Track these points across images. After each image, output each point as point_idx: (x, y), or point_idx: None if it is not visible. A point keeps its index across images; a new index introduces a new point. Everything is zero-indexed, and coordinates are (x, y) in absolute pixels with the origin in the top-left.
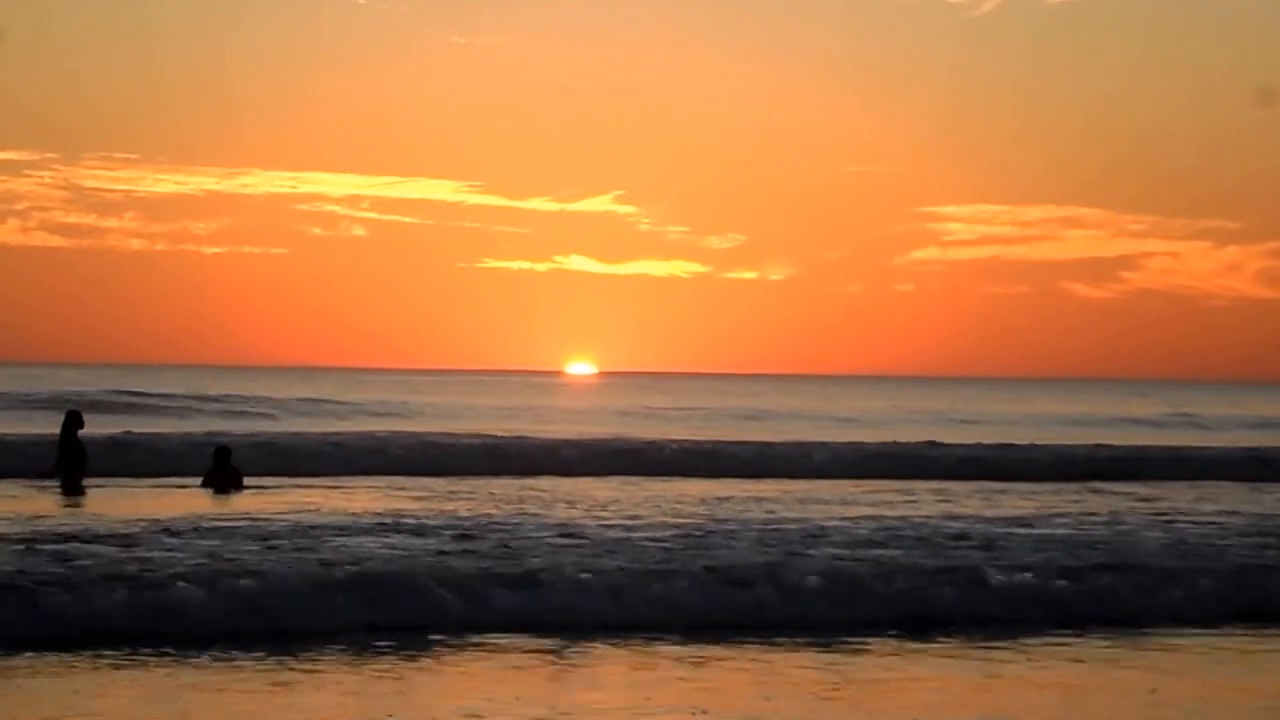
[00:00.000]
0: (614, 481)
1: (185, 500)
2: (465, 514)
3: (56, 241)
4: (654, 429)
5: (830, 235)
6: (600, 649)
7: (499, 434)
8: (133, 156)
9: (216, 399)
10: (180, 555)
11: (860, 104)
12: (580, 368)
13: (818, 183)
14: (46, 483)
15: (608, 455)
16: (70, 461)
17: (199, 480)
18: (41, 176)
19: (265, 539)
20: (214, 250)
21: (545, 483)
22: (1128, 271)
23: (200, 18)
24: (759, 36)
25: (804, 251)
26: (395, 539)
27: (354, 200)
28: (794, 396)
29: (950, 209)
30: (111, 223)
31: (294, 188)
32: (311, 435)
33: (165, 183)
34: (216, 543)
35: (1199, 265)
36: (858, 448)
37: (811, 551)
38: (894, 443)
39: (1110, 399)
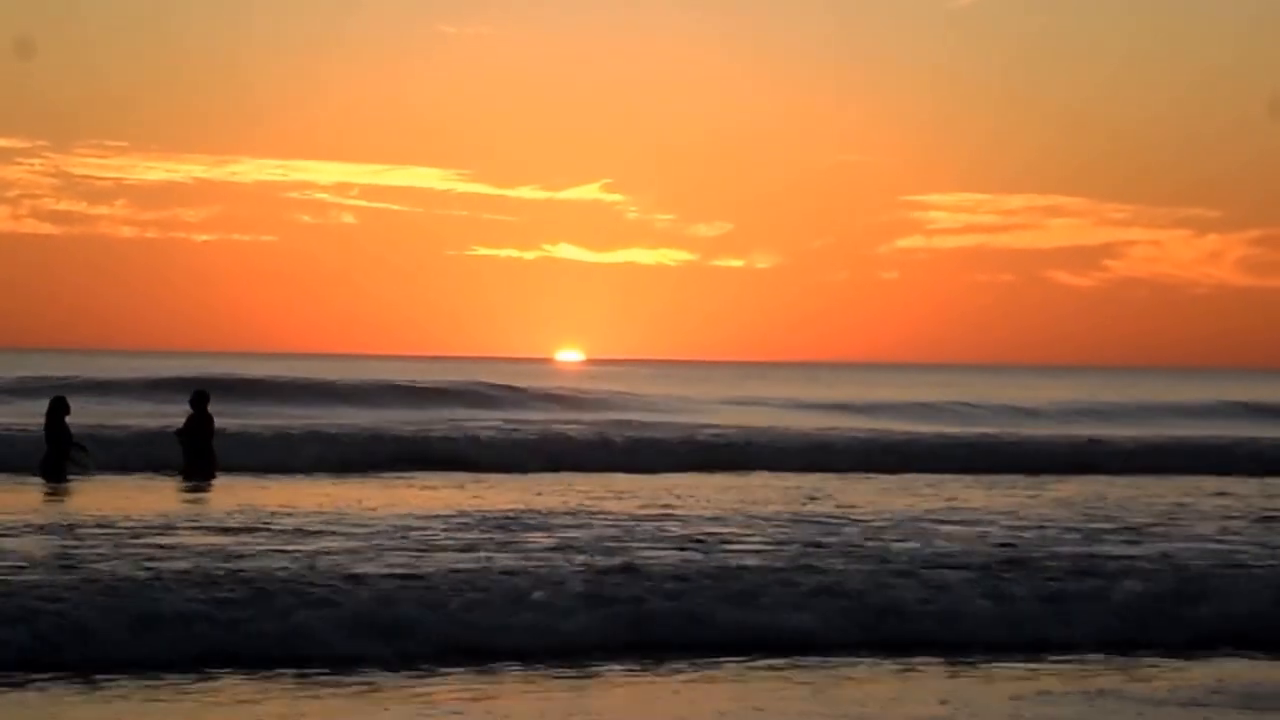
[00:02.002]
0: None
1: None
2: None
3: (47, 229)
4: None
5: (816, 224)
6: None
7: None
8: (123, 144)
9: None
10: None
11: (845, 94)
12: (568, 355)
13: (803, 172)
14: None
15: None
16: (56, 450)
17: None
18: (32, 164)
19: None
20: (204, 238)
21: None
22: (1110, 260)
23: (190, 7)
24: (745, 27)
25: (790, 240)
26: None
27: (343, 188)
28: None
29: (934, 198)
30: (102, 210)
31: (283, 175)
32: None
33: (155, 170)
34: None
35: (1181, 253)
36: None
37: None
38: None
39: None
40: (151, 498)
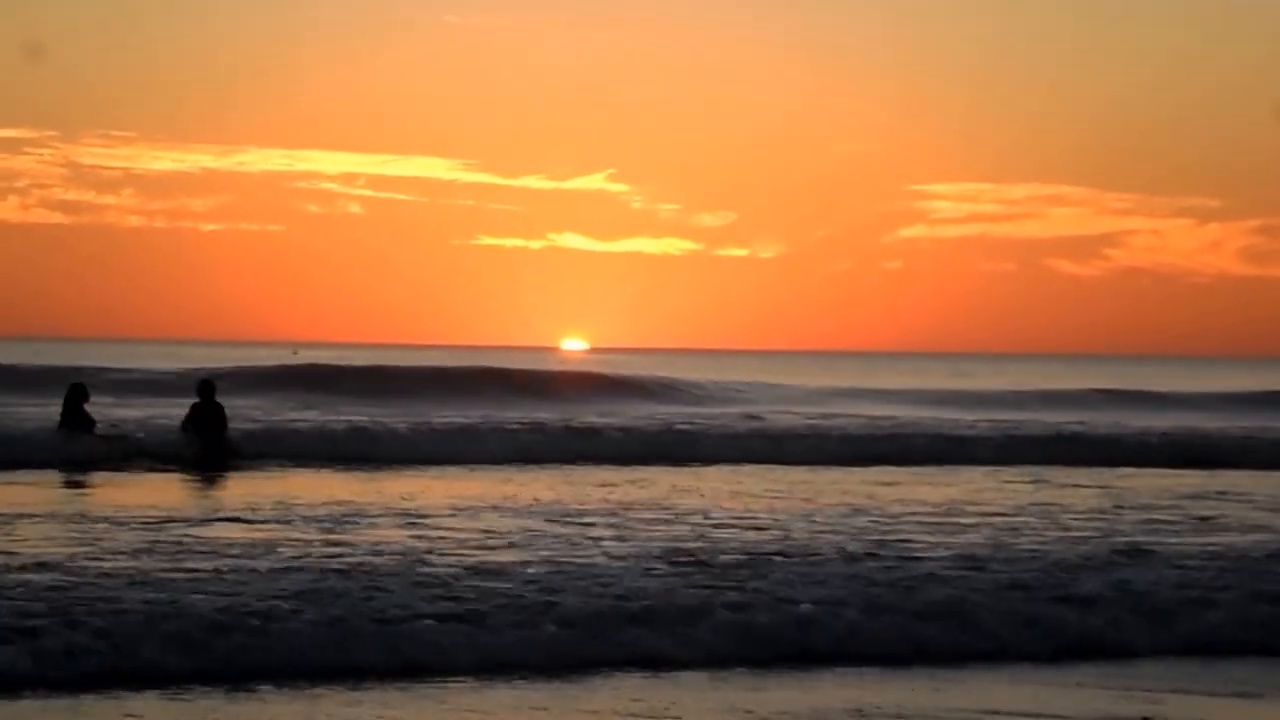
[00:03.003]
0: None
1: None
2: None
3: (56, 218)
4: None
5: (820, 213)
6: None
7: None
8: (131, 134)
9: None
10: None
11: (849, 84)
12: (573, 344)
13: (807, 161)
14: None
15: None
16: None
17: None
18: (41, 154)
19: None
20: (211, 227)
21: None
22: (1111, 249)
23: None
24: (749, 18)
25: (794, 229)
26: None
27: (349, 178)
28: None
29: (937, 187)
30: (110, 200)
31: (290, 166)
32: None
33: (163, 160)
34: None
35: (1182, 242)
36: None
37: None
38: None
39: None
40: (205, 490)
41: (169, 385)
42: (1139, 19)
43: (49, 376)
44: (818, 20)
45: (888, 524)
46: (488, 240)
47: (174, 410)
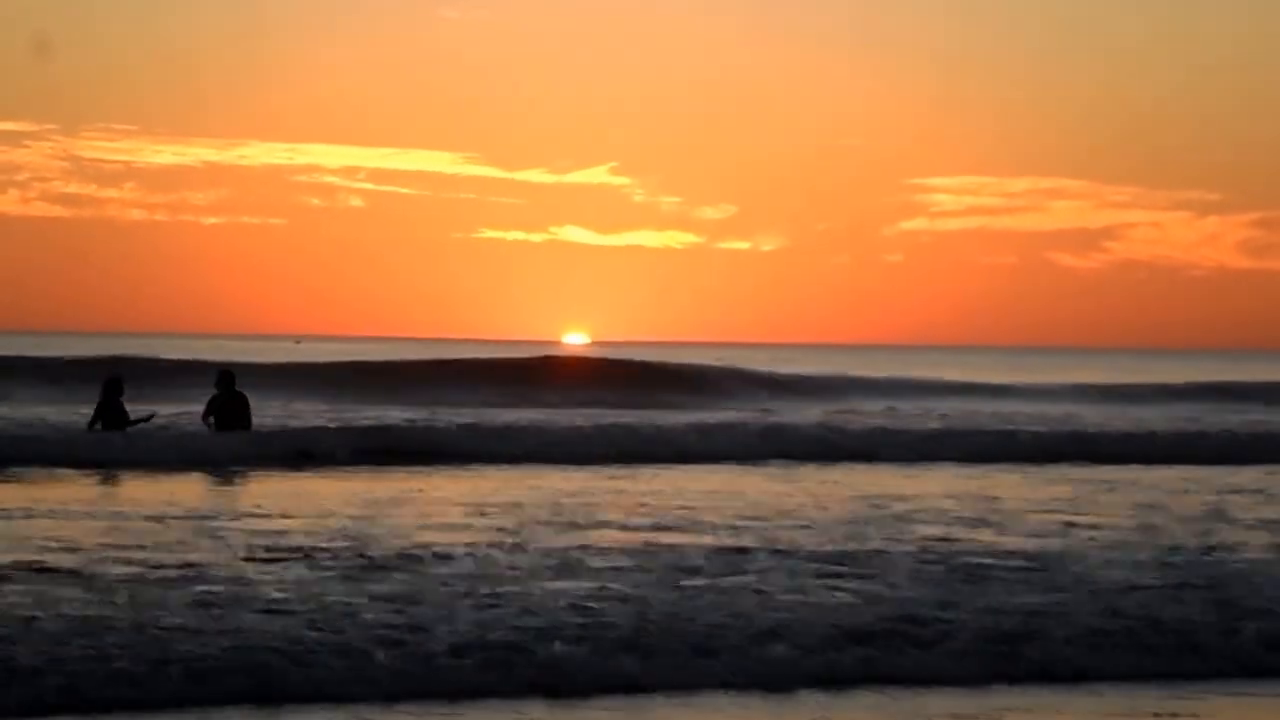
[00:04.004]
0: None
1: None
2: None
3: (57, 211)
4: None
5: (821, 206)
6: None
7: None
8: (132, 128)
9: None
10: None
11: (851, 78)
12: (575, 337)
13: (809, 154)
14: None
15: None
16: (117, 431)
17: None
18: (42, 147)
19: None
20: (212, 220)
21: None
22: (1111, 242)
23: None
24: (752, 11)
25: (795, 222)
26: None
27: (351, 171)
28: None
29: (938, 180)
30: (111, 193)
31: (291, 159)
32: None
33: (164, 153)
34: None
35: (1181, 235)
36: None
37: None
38: None
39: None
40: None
41: (170, 379)
42: (1139, 13)
43: (48, 369)
44: (818, 16)
45: None
46: (489, 233)
47: (195, 405)
